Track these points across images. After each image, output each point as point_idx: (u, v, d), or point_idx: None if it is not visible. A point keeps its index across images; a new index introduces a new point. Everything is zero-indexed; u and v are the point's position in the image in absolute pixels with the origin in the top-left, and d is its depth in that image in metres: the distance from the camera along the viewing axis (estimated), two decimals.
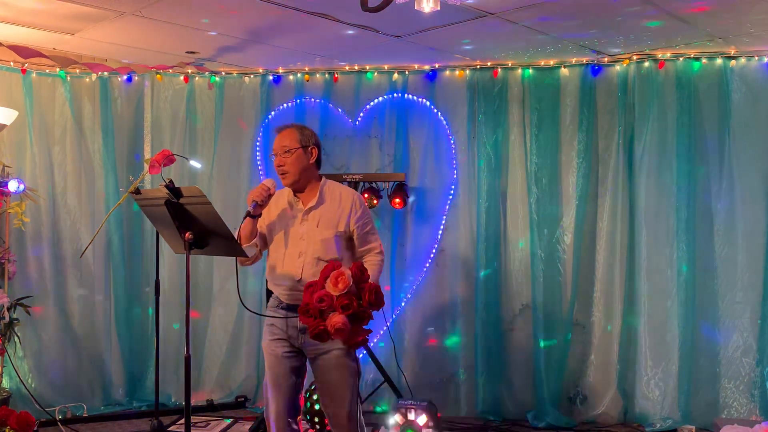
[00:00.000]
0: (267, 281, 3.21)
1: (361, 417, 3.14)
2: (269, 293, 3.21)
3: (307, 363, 3.12)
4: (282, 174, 3.03)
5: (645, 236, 4.73)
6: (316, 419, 4.38)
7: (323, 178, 3.14)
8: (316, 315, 2.61)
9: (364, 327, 2.67)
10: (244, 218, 2.94)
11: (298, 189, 3.07)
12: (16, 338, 4.65)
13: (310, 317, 2.63)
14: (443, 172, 5.10)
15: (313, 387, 4.48)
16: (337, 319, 2.57)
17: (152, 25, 4.05)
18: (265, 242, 3.12)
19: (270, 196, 2.98)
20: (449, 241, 5.09)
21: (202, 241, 2.84)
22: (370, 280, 2.71)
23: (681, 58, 4.68)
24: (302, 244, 3.00)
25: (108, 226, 5.11)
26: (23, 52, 4.62)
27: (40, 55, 4.68)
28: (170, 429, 4.57)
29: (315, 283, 2.67)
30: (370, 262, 3.08)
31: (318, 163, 3.11)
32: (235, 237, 2.97)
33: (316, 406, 4.37)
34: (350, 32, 4.16)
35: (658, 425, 4.60)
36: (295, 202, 3.07)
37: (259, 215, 3.00)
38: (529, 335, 4.94)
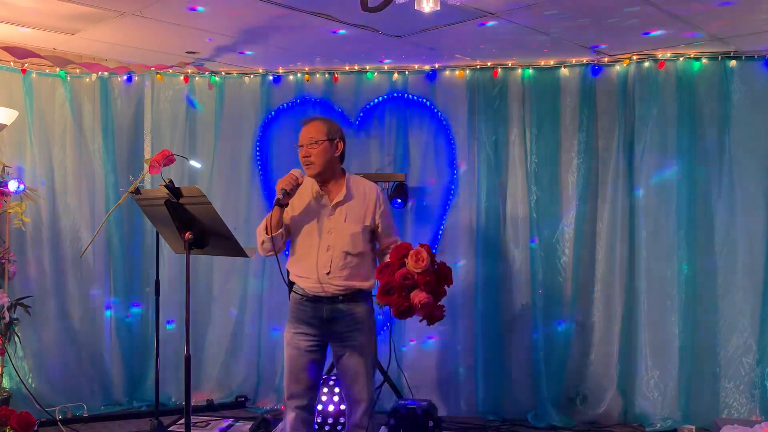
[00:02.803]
0: (288, 272, 3.27)
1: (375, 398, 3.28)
2: (291, 284, 3.26)
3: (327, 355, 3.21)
4: (307, 165, 3.09)
5: (645, 236, 4.72)
6: (319, 419, 4.38)
7: (346, 173, 3.21)
8: (400, 293, 2.72)
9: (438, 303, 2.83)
10: (273, 207, 3.01)
11: (322, 181, 3.13)
12: (16, 338, 4.65)
13: (392, 296, 2.73)
14: (443, 172, 5.10)
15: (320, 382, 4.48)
16: (422, 295, 2.73)
17: (152, 25, 4.05)
18: (288, 232, 3.17)
19: (298, 185, 3.04)
20: (449, 241, 5.08)
21: (202, 240, 2.85)
22: None
23: (681, 58, 4.68)
24: (330, 237, 3.07)
25: (108, 226, 5.11)
26: (18, 52, 4.61)
27: (35, 55, 4.66)
28: (170, 429, 4.57)
29: (390, 263, 2.80)
30: None
31: (342, 156, 3.18)
32: (263, 227, 3.07)
33: (319, 407, 4.36)
34: (350, 32, 4.16)
35: (658, 425, 4.60)
36: (322, 195, 3.13)
37: (287, 204, 3.05)
38: (529, 335, 4.94)
